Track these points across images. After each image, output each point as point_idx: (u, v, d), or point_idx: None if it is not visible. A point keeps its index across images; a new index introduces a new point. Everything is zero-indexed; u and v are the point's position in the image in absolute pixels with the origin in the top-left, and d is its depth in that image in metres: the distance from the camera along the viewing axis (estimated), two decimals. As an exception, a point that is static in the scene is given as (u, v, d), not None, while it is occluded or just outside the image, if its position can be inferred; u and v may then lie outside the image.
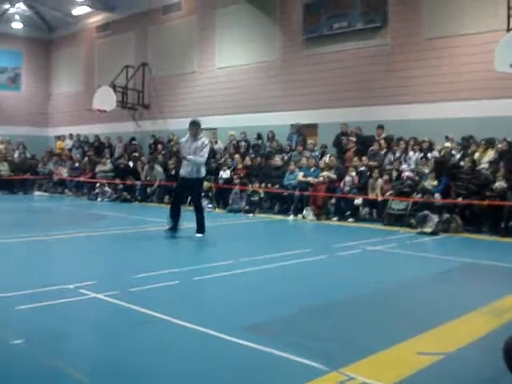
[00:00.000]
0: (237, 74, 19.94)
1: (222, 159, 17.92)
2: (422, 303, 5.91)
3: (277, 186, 15.45)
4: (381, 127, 15.37)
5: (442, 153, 13.61)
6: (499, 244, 10.63)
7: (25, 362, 3.99)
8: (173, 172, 18.37)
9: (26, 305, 5.30)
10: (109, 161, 21.17)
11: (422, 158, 13.71)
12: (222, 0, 20.45)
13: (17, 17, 27.07)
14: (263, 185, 15.76)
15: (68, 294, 5.77)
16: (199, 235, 10.11)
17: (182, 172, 10.38)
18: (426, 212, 11.82)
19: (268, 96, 18.78)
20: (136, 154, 21.23)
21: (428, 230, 11.48)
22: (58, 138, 27.09)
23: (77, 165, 22.71)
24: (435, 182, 12.75)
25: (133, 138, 23.14)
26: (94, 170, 21.22)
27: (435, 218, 11.62)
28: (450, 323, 5.03)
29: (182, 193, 10.80)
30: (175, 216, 10.27)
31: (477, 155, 13.09)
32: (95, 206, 17.82)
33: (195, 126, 10.22)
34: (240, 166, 16.94)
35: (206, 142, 10.39)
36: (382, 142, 15.03)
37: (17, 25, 27.44)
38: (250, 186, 15.92)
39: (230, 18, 20.29)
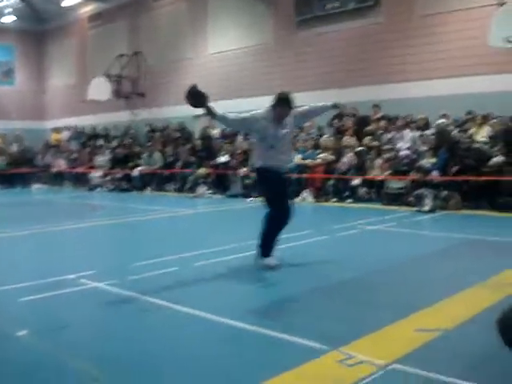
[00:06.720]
0: (231, 59, 19.87)
1: (220, 144, 17.92)
2: (421, 281, 5.92)
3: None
4: (376, 106, 15.33)
5: (438, 128, 13.52)
6: (497, 219, 10.64)
7: (29, 354, 4.01)
8: (171, 159, 18.42)
9: (28, 296, 5.33)
10: (108, 151, 21.15)
11: (420, 136, 13.61)
12: (213, -15, 20.30)
13: (8, 9, 26.86)
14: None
15: (69, 284, 5.81)
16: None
17: (281, 164, 6.55)
18: (422, 190, 11.84)
19: (263, 79, 18.67)
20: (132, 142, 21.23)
21: (426, 208, 11.51)
22: (55, 130, 27.05)
23: (75, 156, 22.72)
24: (433, 160, 12.69)
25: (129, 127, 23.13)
26: (92, 161, 21.23)
27: (432, 196, 11.65)
28: (448, 299, 5.06)
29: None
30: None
31: (472, 131, 13.05)
32: (94, 197, 17.86)
33: (290, 106, 6.34)
34: (238, 150, 16.90)
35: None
36: (381, 121, 14.96)
37: (9, 18, 27.24)
38: (241, 170, 15.90)
39: (221, 2, 20.16)
